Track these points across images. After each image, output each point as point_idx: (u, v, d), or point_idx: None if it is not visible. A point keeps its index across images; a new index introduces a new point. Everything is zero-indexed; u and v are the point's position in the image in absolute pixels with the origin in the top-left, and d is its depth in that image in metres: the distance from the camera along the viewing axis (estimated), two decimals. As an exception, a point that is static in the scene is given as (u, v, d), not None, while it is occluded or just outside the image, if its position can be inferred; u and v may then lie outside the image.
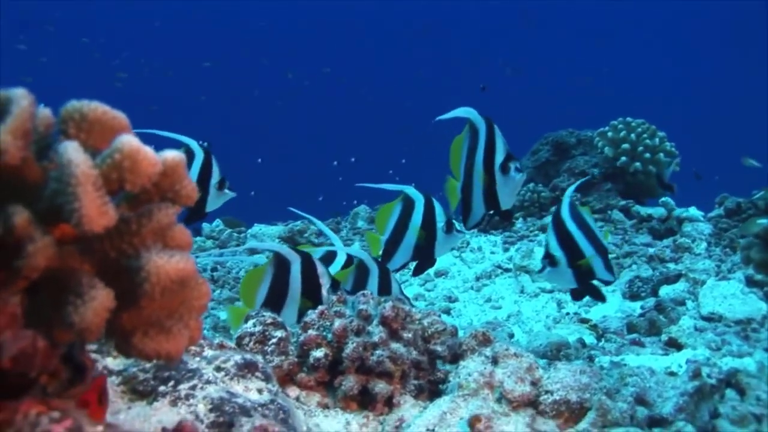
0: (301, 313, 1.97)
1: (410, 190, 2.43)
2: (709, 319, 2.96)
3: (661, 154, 4.91)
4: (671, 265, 3.79)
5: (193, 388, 1.14)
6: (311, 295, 2.01)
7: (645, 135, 4.94)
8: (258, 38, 19.96)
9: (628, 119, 5.02)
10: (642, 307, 3.16)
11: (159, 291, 0.68)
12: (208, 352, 1.28)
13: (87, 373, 0.85)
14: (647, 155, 4.90)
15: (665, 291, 3.34)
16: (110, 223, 0.66)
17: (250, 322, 1.49)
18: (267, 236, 4.67)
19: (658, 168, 4.85)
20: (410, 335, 1.50)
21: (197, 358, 1.25)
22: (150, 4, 19.22)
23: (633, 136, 4.93)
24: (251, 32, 19.85)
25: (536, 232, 4.65)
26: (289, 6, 19.87)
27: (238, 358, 1.23)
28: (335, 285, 2.04)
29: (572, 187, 2.51)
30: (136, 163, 0.68)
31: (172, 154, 0.76)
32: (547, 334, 2.66)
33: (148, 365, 1.16)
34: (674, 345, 2.60)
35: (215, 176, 2.49)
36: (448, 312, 3.65)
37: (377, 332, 1.45)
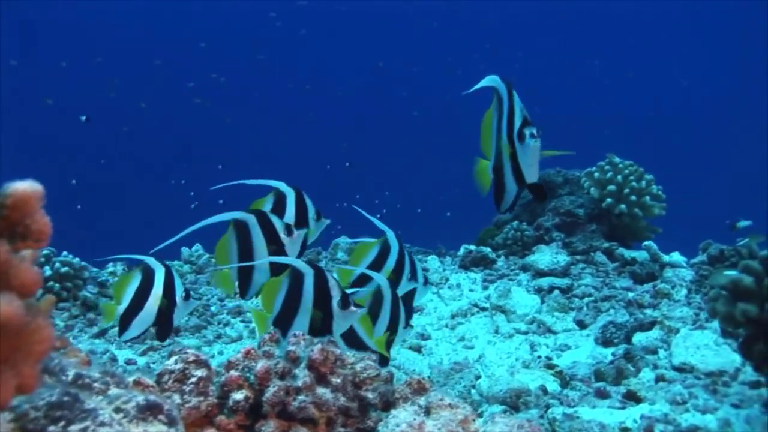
0: (313, 323, 2.12)
1: (390, 236, 2.61)
2: (680, 369, 2.88)
3: (647, 198, 4.86)
4: (649, 311, 3.72)
5: (85, 430, 1.07)
6: (322, 306, 2.14)
7: (632, 177, 4.88)
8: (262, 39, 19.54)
9: (616, 159, 4.97)
10: (613, 354, 3.08)
11: (-26, 336, 0.61)
12: (114, 391, 1.21)
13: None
14: (633, 198, 4.84)
15: (638, 338, 3.26)
16: None
17: (172, 359, 1.42)
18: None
19: None
20: (339, 380, 1.43)
21: (99, 397, 1.18)
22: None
23: (620, 177, 4.88)
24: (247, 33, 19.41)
25: (517, 271, 4.58)
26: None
27: (140, 399, 1.16)
28: (345, 298, 2.15)
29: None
30: (-40, 193, 0.61)
31: (24, 186, 0.70)
32: (509, 379, 2.58)
33: (40, 402, 1.09)
34: (633, 398, 2.51)
35: (311, 210, 2.57)
36: (419, 350, 3.57)
37: (302, 376, 1.38)
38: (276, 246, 2.26)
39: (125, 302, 2.39)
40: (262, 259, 2.30)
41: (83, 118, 5.99)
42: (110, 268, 4.84)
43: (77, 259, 4.08)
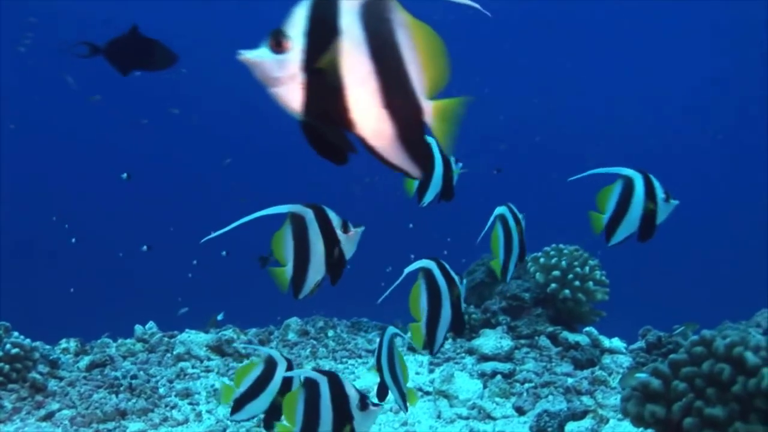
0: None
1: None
2: (607, 460, 3.00)
3: (591, 283, 5.03)
4: (585, 398, 3.84)
5: None
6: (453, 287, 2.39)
7: (576, 263, 5.06)
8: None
9: (561, 246, 5.15)
10: (545, 444, 3.19)
11: None
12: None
13: None
14: (577, 283, 5.01)
15: (571, 427, 3.38)
16: None
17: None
18: (195, 344, 4.66)
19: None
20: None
21: None
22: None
23: (564, 263, 5.05)
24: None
25: (463, 354, 4.70)
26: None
27: None
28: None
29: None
30: None
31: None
32: (438, 472, 2.68)
33: None
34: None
35: (659, 191, 2.73)
36: (361, 435, 3.65)
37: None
38: (332, 242, 2.26)
39: (243, 387, 2.58)
40: (319, 254, 2.27)
41: (124, 175, 5.99)
42: (63, 344, 4.88)
43: (28, 340, 4.13)
